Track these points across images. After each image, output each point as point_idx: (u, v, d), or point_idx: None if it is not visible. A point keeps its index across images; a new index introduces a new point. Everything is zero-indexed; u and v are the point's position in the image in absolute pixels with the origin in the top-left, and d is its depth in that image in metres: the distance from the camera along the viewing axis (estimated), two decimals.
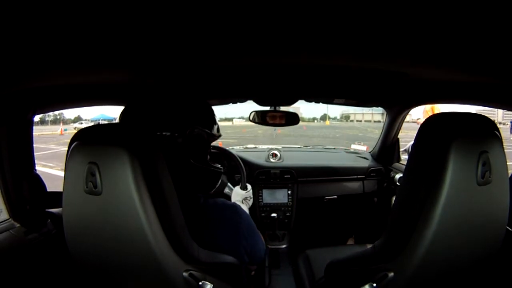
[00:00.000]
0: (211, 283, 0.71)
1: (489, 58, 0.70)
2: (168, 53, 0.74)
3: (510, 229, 0.82)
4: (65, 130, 20.39)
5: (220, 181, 0.92)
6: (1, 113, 0.96)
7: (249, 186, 1.39)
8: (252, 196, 1.37)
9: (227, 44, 0.67)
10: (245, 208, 1.25)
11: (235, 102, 1.45)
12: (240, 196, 1.32)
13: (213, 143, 0.90)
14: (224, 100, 1.40)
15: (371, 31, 0.57)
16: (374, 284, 0.73)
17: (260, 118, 1.57)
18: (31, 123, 1.09)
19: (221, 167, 0.90)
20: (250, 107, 1.66)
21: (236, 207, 0.85)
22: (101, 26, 0.52)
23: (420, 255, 0.65)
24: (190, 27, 0.55)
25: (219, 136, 0.87)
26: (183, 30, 0.56)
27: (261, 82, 1.08)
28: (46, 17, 0.46)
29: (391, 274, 0.70)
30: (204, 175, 0.84)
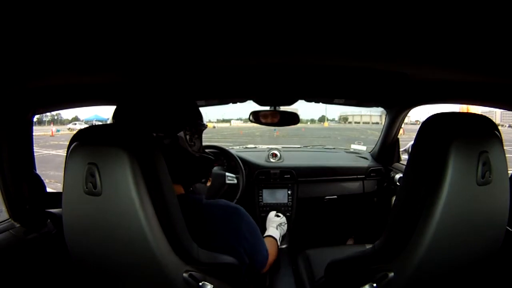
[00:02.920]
0: (211, 283, 0.71)
1: (489, 58, 0.70)
2: (168, 53, 0.74)
3: (510, 229, 0.82)
4: (58, 131, 19.74)
5: (212, 171, 0.95)
6: (1, 113, 0.96)
7: (281, 214, 1.51)
8: (286, 222, 1.46)
9: (226, 44, 0.68)
10: (278, 232, 1.33)
11: (235, 102, 1.45)
12: (275, 223, 1.41)
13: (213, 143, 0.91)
14: (224, 100, 1.40)
15: (371, 32, 0.57)
16: (374, 284, 0.73)
17: (259, 118, 1.57)
18: (31, 123, 1.09)
19: (213, 155, 0.93)
20: (249, 108, 1.66)
21: (238, 208, 0.86)
22: (100, 26, 0.52)
23: (420, 255, 0.65)
24: (190, 27, 0.55)
25: (206, 126, 0.90)
26: (183, 31, 0.56)
27: (261, 82, 1.09)
28: (45, 18, 0.46)
29: (391, 274, 0.70)
30: (200, 163, 0.86)
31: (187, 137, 0.81)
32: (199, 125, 0.85)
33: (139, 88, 1.09)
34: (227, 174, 1.71)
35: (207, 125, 0.91)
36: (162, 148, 0.76)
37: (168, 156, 0.75)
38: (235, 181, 1.72)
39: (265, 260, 0.93)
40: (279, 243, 1.26)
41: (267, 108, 1.56)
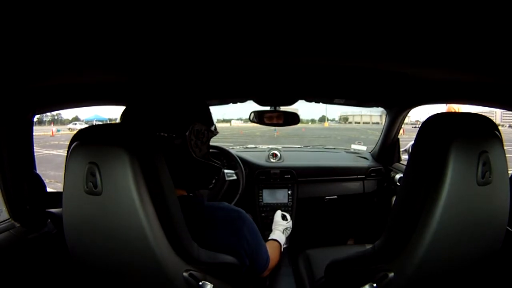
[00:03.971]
0: (211, 283, 0.71)
1: (489, 58, 0.70)
2: (168, 52, 0.74)
3: (510, 229, 0.82)
4: (58, 131, 19.68)
5: (218, 178, 0.94)
6: (1, 113, 0.96)
7: (288, 217, 1.47)
8: (291, 226, 1.42)
9: (227, 44, 0.68)
10: (284, 237, 1.30)
11: (235, 102, 1.45)
12: (281, 226, 1.37)
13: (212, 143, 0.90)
14: (224, 100, 1.40)
15: (371, 32, 0.57)
16: (374, 284, 0.73)
17: (260, 118, 1.57)
18: (31, 123, 1.09)
19: (220, 163, 0.91)
20: (249, 108, 1.66)
21: (240, 211, 0.85)
22: (101, 26, 0.52)
23: (420, 255, 0.65)
24: (191, 27, 0.55)
25: (217, 133, 0.89)
26: (184, 30, 0.56)
27: (261, 82, 1.09)
28: (46, 18, 0.46)
29: (391, 274, 0.70)
30: (204, 169, 0.85)
31: (192, 141, 0.79)
32: (207, 130, 0.84)
33: (142, 88, 1.09)
34: (226, 171, 1.71)
35: (217, 132, 0.90)
36: (171, 149, 0.76)
37: (174, 158, 0.75)
38: (235, 177, 1.71)
39: (265, 264, 0.93)
40: (282, 249, 1.23)
41: (267, 108, 1.56)
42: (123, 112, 0.80)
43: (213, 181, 0.90)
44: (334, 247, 1.57)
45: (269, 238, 1.26)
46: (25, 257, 0.97)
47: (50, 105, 1.15)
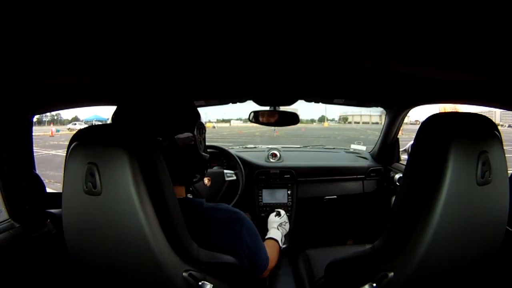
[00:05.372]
0: (210, 283, 0.71)
1: (489, 58, 0.70)
2: (169, 53, 0.74)
3: (510, 229, 0.82)
4: (57, 131, 19.68)
5: (207, 170, 0.94)
6: (1, 113, 0.96)
7: (282, 212, 1.47)
8: (287, 221, 1.44)
9: (226, 44, 0.68)
10: (280, 233, 1.30)
11: (235, 102, 1.45)
12: (275, 223, 1.38)
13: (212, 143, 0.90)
14: (224, 100, 1.40)
15: (371, 31, 0.57)
16: (374, 284, 0.73)
17: (259, 118, 1.57)
18: (31, 123, 1.09)
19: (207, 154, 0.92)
20: (248, 108, 1.67)
21: (239, 213, 0.86)
22: (99, 26, 0.52)
23: (420, 255, 0.65)
24: (190, 27, 0.55)
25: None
26: (183, 30, 0.56)
27: (261, 82, 1.09)
28: (45, 18, 0.46)
29: (391, 274, 0.70)
30: (205, 162, 0.87)
31: (198, 138, 0.81)
32: (203, 124, 0.86)
33: (139, 89, 1.09)
34: (225, 171, 1.71)
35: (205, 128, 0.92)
36: (177, 148, 0.77)
37: (170, 157, 0.75)
38: (234, 177, 1.72)
39: (265, 265, 0.93)
40: (281, 244, 1.24)
41: (267, 108, 1.56)
42: (114, 112, 0.80)
43: (205, 172, 0.92)
44: (334, 247, 1.57)
45: (266, 237, 1.26)
46: (25, 257, 0.97)
47: (50, 105, 1.15)
